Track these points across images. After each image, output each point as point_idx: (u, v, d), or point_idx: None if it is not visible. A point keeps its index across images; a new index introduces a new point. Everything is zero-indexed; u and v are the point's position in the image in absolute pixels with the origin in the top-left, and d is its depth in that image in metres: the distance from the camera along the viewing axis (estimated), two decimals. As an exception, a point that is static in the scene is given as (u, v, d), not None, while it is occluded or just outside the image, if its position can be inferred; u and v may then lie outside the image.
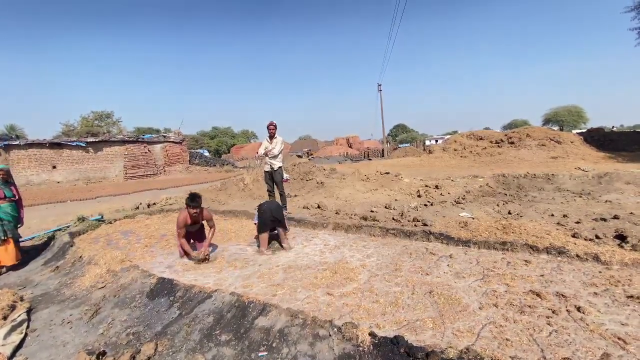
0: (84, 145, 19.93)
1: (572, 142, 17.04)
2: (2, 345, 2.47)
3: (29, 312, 3.07)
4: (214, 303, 2.72)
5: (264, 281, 3.30)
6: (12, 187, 4.64)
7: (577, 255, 3.27)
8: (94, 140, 20.65)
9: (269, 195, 6.55)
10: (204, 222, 4.33)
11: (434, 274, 3.12)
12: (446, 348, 1.89)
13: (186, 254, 4.14)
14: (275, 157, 6.37)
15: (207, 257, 4.02)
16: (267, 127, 6.35)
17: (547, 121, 45.47)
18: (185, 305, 2.80)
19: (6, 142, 17.81)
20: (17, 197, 4.65)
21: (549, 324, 2.13)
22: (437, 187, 8.09)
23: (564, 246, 3.43)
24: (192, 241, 4.32)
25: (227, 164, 29.92)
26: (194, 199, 3.98)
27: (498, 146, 18.65)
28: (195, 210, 4.00)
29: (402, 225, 4.68)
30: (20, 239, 4.80)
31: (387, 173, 10.46)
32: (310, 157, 42.00)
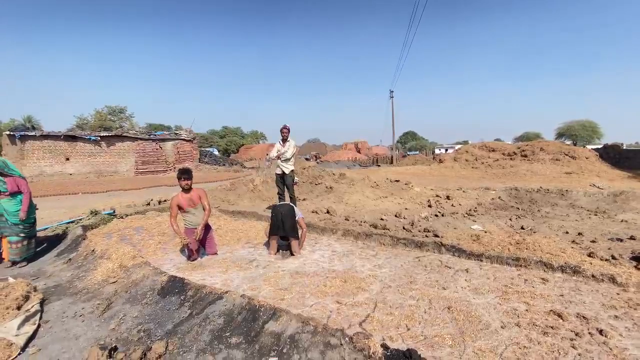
0: (97, 139, 20.27)
1: (587, 158, 16.75)
2: (16, 335, 2.50)
3: (42, 303, 3.11)
4: (224, 305, 2.72)
5: (270, 285, 3.29)
6: (12, 181, 4.25)
7: (593, 275, 3.20)
8: (107, 134, 21.01)
9: (279, 198, 6.56)
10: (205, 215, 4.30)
11: (451, 288, 3.06)
12: (460, 365, 1.86)
13: (185, 239, 4.09)
14: (287, 160, 6.38)
15: (199, 238, 4.13)
16: (281, 131, 6.37)
17: (560, 135, 44.74)
18: (196, 305, 2.81)
19: (22, 133, 18.21)
20: (9, 191, 4.21)
21: (573, 347, 2.08)
22: (448, 197, 8.01)
23: (579, 265, 3.36)
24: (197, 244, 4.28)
25: (236, 164, 30.13)
26: (184, 172, 4.21)
27: (510, 159, 18.43)
28: (186, 182, 4.16)
29: (413, 235, 4.64)
30: (21, 236, 4.33)
31: (397, 181, 10.40)
32: (318, 160, 42.07)
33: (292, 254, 4.27)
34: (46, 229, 6.24)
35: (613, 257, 3.66)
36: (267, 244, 4.48)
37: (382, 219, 5.89)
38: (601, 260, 3.57)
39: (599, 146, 25.26)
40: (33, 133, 18.68)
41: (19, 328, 2.58)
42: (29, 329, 2.63)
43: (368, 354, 2.03)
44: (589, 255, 3.70)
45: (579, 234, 4.80)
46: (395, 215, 6.25)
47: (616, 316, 2.47)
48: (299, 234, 4.42)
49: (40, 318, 2.86)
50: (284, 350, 2.19)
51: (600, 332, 2.24)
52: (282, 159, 6.36)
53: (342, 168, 24.10)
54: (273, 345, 2.25)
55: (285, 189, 6.58)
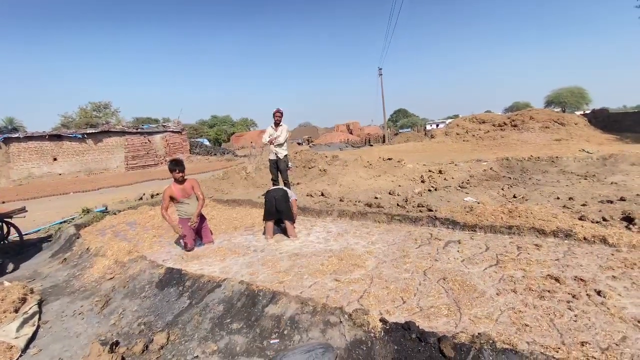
0: (83, 136, 19.84)
1: (576, 124, 16.85)
2: (16, 338, 2.50)
3: (40, 304, 3.10)
4: (223, 292, 2.73)
5: (269, 268, 3.31)
6: None
7: (585, 238, 3.25)
8: (93, 131, 20.55)
9: (273, 184, 6.50)
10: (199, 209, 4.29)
11: (444, 259, 3.10)
12: (458, 333, 1.90)
13: (180, 232, 4.10)
14: (280, 145, 6.27)
15: (193, 225, 4.12)
16: (273, 114, 6.17)
17: (549, 103, 44.87)
18: (195, 295, 2.81)
19: (6, 135, 17.75)
20: None
21: (569, 309, 2.11)
22: (440, 172, 8.05)
23: (571, 229, 3.40)
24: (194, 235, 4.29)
25: (227, 153, 29.85)
26: (176, 163, 4.18)
27: (501, 129, 18.48)
28: (180, 174, 4.15)
29: (407, 211, 4.67)
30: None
31: (389, 159, 10.39)
32: (310, 144, 41.83)
33: (287, 236, 4.30)
34: (39, 230, 6.17)
35: (604, 219, 3.72)
36: (264, 230, 4.48)
37: (376, 198, 5.91)
38: (592, 222, 3.63)
39: (588, 111, 25.41)
40: (17, 135, 18.22)
41: (18, 330, 2.57)
42: (28, 330, 2.62)
43: (368, 329, 2.06)
44: (580, 219, 3.75)
45: (570, 198, 4.87)
46: (389, 193, 6.27)
47: (614, 277, 2.49)
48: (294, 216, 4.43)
49: (39, 319, 2.85)
50: (285, 332, 2.22)
51: (599, 293, 2.26)
52: (275, 144, 6.22)
53: (335, 150, 24.05)
54: (274, 328, 2.28)
55: (279, 175, 6.52)
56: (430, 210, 4.58)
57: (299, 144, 40.85)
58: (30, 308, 2.93)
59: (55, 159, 19.13)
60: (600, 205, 4.41)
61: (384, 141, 32.77)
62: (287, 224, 4.29)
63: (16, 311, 2.88)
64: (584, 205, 4.45)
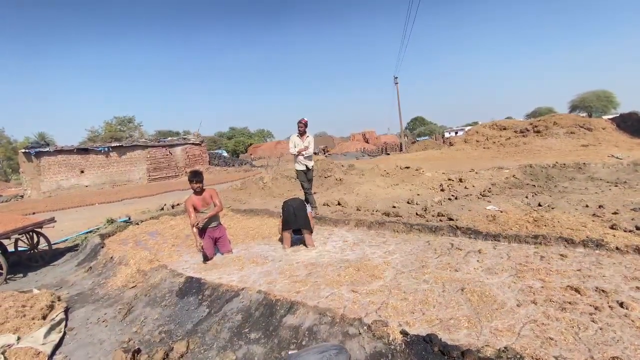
0: (108, 150, 20.68)
1: (603, 129, 16.19)
2: (43, 344, 2.58)
3: (66, 311, 3.20)
4: (241, 301, 2.74)
5: (286, 277, 3.30)
6: None
7: (617, 248, 3.09)
8: (117, 145, 21.41)
9: (306, 194, 6.28)
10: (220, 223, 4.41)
11: (464, 270, 3.01)
12: (483, 347, 1.82)
13: (198, 232, 4.17)
14: (309, 156, 6.20)
15: (196, 224, 4.10)
16: (298, 124, 6.13)
17: (574, 108, 43.31)
18: (214, 304, 2.84)
19: (37, 150, 18.72)
20: None
21: (593, 322, 2.01)
22: (460, 180, 7.87)
23: (602, 238, 3.24)
24: (214, 244, 4.38)
25: (245, 164, 30.35)
26: (194, 175, 4.23)
27: (523, 136, 17.97)
28: (197, 185, 4.20)
29: (427, 221, 4.57)
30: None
31: (407, 167, 10.27)
32: (326, 154, 41.95)
33: (305, 247, 4.28)
34: (66, 240, 6.42)
35: (637, 228, 3.53)
36: (281, 239, 4.49)
37: (394, 207, 5.83)
38: (625, 231, 3.45)
39: (616, 116, 24.36)
40: (47, 149, 19.18)
41: (45, 337, 2.66)
42: (55, 337, 2.71)
43: (387, 341, 2.01)
44: (612, 228, 3.57)
45: (600, 206, 4.65)
46: (408, 202, 6.17)
47: (638, 287, 2.37)
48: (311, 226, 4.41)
49: (66, 326, 2.94)
50: (303, 343, 2.19)
51: (621, 304, 2.16)
52: (306, 155, 6.12)
53: (351, 159, 23.99)
54: (292, 338, 2.26)
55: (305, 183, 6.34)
56: (450, 219, 4.47)
57: (315, 153, 40.98)
58: (57, 315, 3.03)
59: (82, 172, 20.00)
60: (633, 213, 4.19)
61: (401, 149, 32.48)
62: (306, 234, 4.28)
63: (44, 318, 2.98)
64: (615, 213, 4.24)
